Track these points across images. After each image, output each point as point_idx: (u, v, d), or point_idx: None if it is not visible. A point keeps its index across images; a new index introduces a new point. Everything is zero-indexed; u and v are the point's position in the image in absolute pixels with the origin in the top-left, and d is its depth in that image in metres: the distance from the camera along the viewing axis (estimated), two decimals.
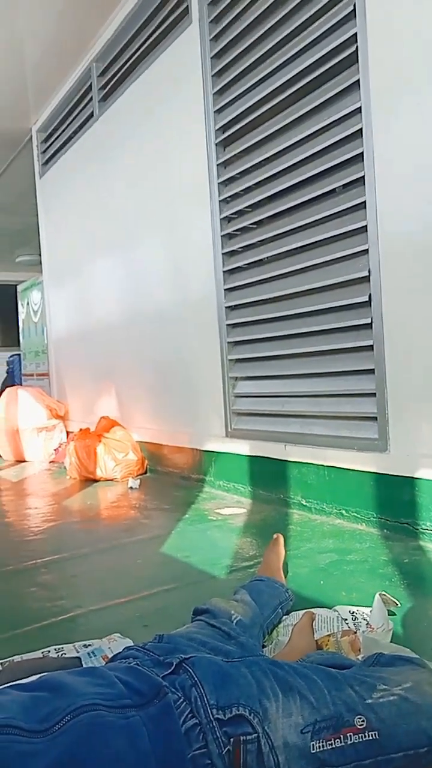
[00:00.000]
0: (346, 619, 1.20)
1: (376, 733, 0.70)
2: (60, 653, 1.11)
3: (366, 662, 0.86)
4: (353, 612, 1.23)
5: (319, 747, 0.68)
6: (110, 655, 1.04)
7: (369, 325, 1.87)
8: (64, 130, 3.97)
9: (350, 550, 1.69)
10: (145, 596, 1.44)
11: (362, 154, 1.83)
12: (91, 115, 3.55)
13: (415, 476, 1.74)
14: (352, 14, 1.82)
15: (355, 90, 1.85)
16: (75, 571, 1.69)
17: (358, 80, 1.82)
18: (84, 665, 1.04)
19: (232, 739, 0.67)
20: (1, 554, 1.90)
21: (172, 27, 2.74)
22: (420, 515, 1.73)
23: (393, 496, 1.82)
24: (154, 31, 2.88)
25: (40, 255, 4.66)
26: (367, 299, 1.86)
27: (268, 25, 2.14)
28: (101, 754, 0.61)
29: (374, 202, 1.80)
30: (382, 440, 1.85)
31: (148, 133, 3.00)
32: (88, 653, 1.11)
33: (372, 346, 1.86)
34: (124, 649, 0.85)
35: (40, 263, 4.66)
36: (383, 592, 1.22)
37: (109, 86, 3.35)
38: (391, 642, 1.07)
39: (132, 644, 1.05)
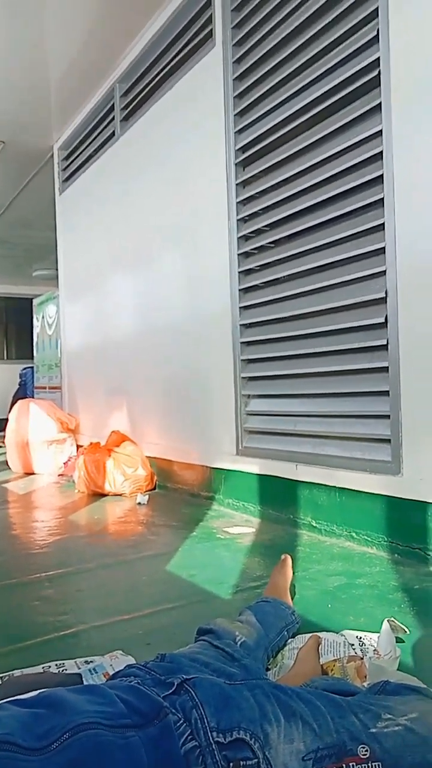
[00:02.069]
0: (353, 645, 1.17)
1: (380, 764, 0.68)
2: (61, 669, 1.10)
3: (371, 689, 0.84)
4: (360, 637, 1.20)
5: None
6: (112, 673, 1.03)
7: (385, 347, 1.86)
8: (85, 149, 4.03)
9: (360, 574, 1.66)
10: (149, 614, 1.42)
11: (382, 176, 1.84)
12: (113, 134, 3.61)
13: (428, 500, 1.71)
14: (375, 39, 1.84)
15: (376, 113, 1.86)
16: (79, 586, 1.68)
17: (380, 104, 1.83)
18: (85, 682, 1.02)
19: (231, 764, 0.65)
20: (5, 567, 1.89)
21: (196, 49, 2.78)
22: None
23: (405, 520, 1.79)
24: (177, 53, 2.93)
25: (56, 270, 4.71)
26: (383, 320, 1.85)
27: (291, 49, 2.17)
28: None
29: (393, 224, 1.80)
30: (395, 463, 1.82)
31: (168, 152, 3.03)
32: (89, 670, 1.09)
33: (387, 367, 1.85)
34: (125, 667, 0.84)
35: (57, 278, 4.72)
36: (392, 618, 1.19)
37: (131, 106, 3.40)
38: (398, 670, 1.04)
39: (134, 662, 1.03)
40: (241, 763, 0.66)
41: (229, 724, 0.68)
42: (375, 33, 1.83)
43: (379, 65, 1.82)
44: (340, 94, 1.99)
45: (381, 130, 1.83)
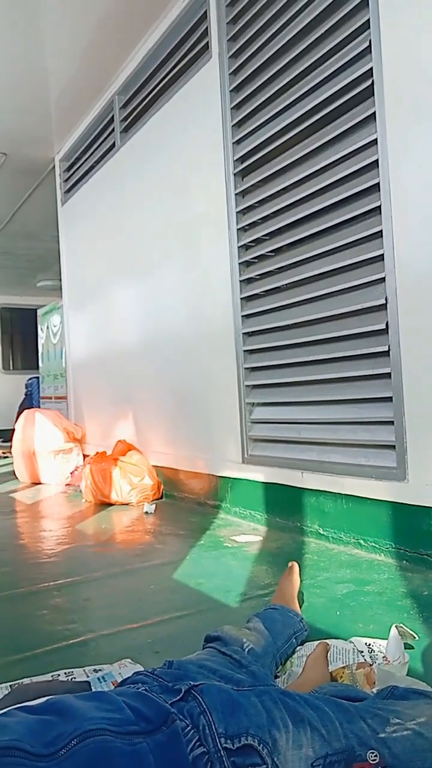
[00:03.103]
0: (362, 652, 1.17)
1: None
2: (70, 677, 1.11)
3: (380, 695, 0.84)
4: (369, 644, 1.20)
5: None
6: (120, 681, 1.03)
7: (386, 353, 1.86)
8: (86, 160, 4.07)
9: (368, 581, 1.66)
10: (157, 622, 1.43)
11: (378, 184, 1.85)
12: (113, 145, 3.64)
13: None
14: (367, 50, 1.86)
15: (371, 122, 1.88)
16: (87, 595, 1.69)
17: (374, 113, 1.85)
18: (93, 690, 1.03)
19: None
20: (14, 576, 1.90)
21: (193, 62, 2.82)
22: None
23: (412, 526, 1.79)
24: (175, 66, 2.97)
25: (60, 280, 4.75)
26: (384, 327, 1.86)
27: (286, 60, 2.20)
28: None
29: (390, 231, 1.82)
30: (400, 469, 1.82)
31: (168, 163, 3.06)
32: (98, 678, 1.10)
33: (389, 373, 1.85)
34: (133, 674, 0.84)
35: (61, 288, 4.75)
36: (400, 624, 1.20)
37: (130, 118, 3.44)
38: (407, 675, 1.05)
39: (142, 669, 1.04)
40: None
41: (237, 730, 0.68)
42: (367, 44, 1.85)
43: (372, 75, 1.84)
44: (335, 103, 2.01)
45: (376, 139, 1.85)
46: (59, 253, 4.71)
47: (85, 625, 1.42)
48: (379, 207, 1.85)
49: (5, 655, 1.27)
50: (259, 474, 2.46)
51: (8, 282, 8.39)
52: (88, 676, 1.10)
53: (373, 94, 1.84)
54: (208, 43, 2.67)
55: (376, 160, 1.85)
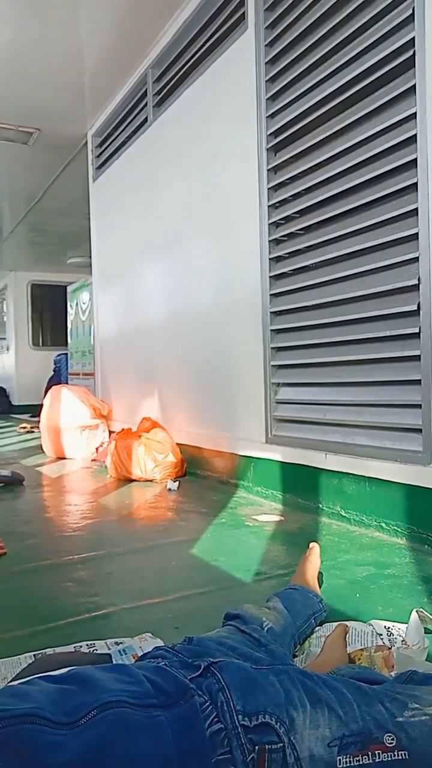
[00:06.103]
0: (380, 635, 1.17)
1: (406, 753, 0.68)
2: (92, 649, 1.12)
3: (398, 679, 0.83)
4: (388, 627, 1.20)
5: (346, 762, 0.66)
6: (140, 654, 1.05)
7: (417, 335, 1.82)
8: (118, 135, 4.04)
9: (389, 565, 1.65)
10: (178, 598, 1.44)
11: (416, 160, 1.80)
12: (146, 120, 3.60)
13: None
14: (410, 18, 1.79)
15: (410, 95, 1.82)
16: (110, 569, 1.71)
17: (414, 85, 1.78)
18: (114, 662, 1.05)
19: (256, 747, 0.66)
20: (40, 549, 1.94)
21: (228, 33, 2.75)
22: None
23: None
24: (210, 38, 2.90)
25: (90, 257, 4.75)
26: (415, 308, 1.82)
27: (324, 31, 2.13)
28: (124, 751, 0.61)
29: (426, 209, 1.76)
30: (426, 453, 1.80)
31: (200, 137, 3.02)
32: (119, 651, 1.11)
33: (419, 356, 1.82)
34: (153, 649, 0.85)
35: (90, 265, 4.76)
36: (421, 609, 1.19)
37: (164, 92, 3.39)
38: (426, 660, 1.04)
39: (162, 645, 1.05)
40: (267, 746, 0.66)
41: (255, 708, 0.68)
42: (410, 12, 1.78)
43: (413, 45, 1.77)
44: (373, 76, 1.94)
45: (415, 113, 1.78)
46: (90, 230, 4.71)
47: (107, 599, 1.44)
48: (416, 184, 1.80)
49: (30, 625, 1.30)
50: (282, 454, 2.45)
51: (39, 259, 8.45)
52: (109, 649, 1.12)
53: (414, 66, 1.78)
54: (244, 13, 2.60)
55: (414, 135, 1.79)
